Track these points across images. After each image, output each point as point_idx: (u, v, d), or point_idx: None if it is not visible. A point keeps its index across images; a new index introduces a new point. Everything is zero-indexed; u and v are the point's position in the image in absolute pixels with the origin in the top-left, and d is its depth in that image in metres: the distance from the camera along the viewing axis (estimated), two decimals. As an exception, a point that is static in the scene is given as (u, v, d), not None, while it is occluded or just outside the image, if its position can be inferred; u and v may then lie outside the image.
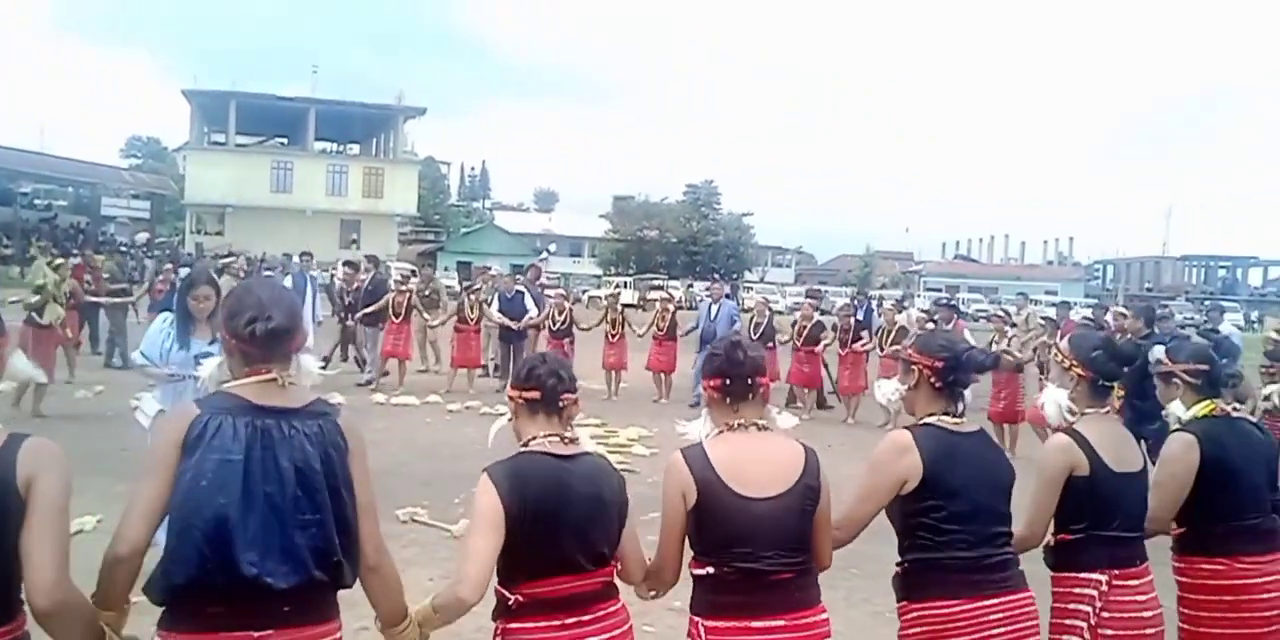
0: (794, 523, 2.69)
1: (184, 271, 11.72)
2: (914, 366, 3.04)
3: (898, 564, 2.96)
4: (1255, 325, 42.19)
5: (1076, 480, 3.13)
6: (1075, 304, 31.29)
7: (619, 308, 14.37)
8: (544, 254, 48.65)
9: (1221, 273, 70.34)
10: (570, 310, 14.06)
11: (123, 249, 39.62)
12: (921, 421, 2.98)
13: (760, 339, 12.96)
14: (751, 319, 13.89)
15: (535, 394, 2.64)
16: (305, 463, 2.29)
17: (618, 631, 2.61)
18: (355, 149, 64.07)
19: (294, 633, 2.26)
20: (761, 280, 60.03)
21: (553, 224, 72.79)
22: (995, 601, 2.83)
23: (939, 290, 55.96)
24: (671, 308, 14.39)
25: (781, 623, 2.63)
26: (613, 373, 13.87)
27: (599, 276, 56.09)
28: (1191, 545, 3.46)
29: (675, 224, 58.57)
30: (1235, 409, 3.64)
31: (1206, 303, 25.77)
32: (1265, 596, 3.37)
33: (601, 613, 2.59)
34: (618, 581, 2.72)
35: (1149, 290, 62.46)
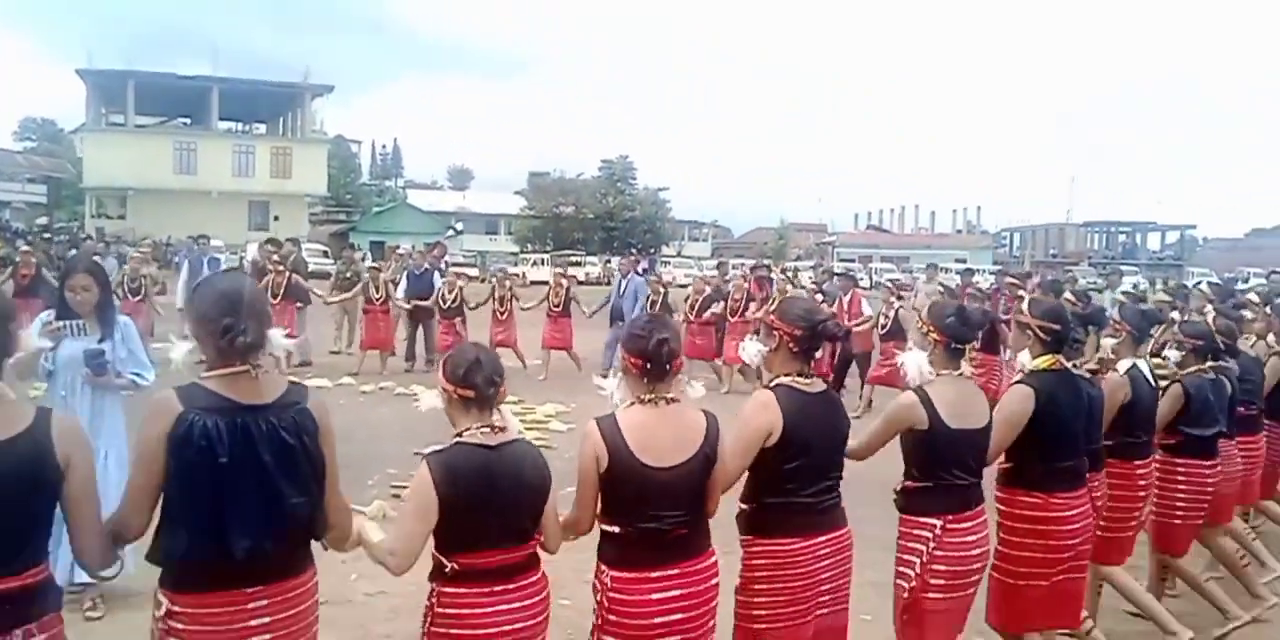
0: (693, 487, 3.05)
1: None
2: (775, 331, 3.37)
3: (744, 503, 3.34)
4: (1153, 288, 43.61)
5: (918, 434, 3.57)
6: (980, 270, 32.09)
7: (506, 285, 14.29)
8: (450, 231, 47.99)
9: (1122, 238, 72.47)
10: (460, 289, 13.96)
11: (20, 234, 38.35)
12: (777, 382, 3.33)
13: (698, 314, 13.42)
14: (649, 297, 14.02)
15: (470, 393, 2.86)
16: (286, 454, 2.57)
17: (538, 598, 2.91)
18: (262, 128, 62.54)
19: (279, 586, 2.61)
20: (679, 254, 60.32)
21: (467, 201, 72.11)
22: (824, 538, 3.31)
23: (852, 261, 56.78)
24: (565, 283, 14.37)
25: (676, 571, 3.01)
26: (551, 352, 13.94)
27: (516, 254, 55.77)
28: (1015, 480, 3.96)
29: (591, 200, 58.44)
30: (1074, 366, 4.12)
31: (1106, 267, 26.63)
32: (1071, 528, 3.90)
33: (525, 581, 2.88)
34: (540, 553, 2.99)
35: (1054, 256, 64.17)
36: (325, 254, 39.69)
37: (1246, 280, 31.80)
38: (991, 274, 23.96)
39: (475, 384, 2.84)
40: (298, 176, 56.01)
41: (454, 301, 13.77)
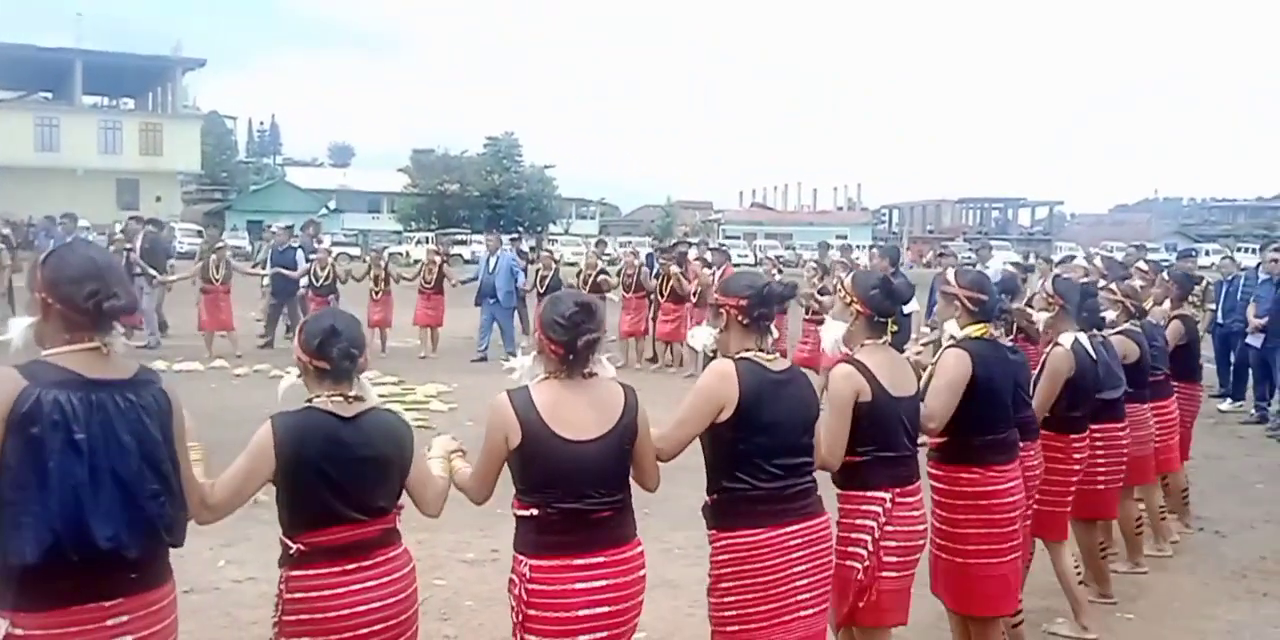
0: (614, 463, 2.86)
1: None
2: (722, 309, 3.22)
3: (708, 494, 3.14)
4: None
5: (860, 405, 3.39)
6: (859, 246, 32.80)
7: (382, 264, 14.22)
8: (323, 210, 46.71)
9: (995, 214, 74.95)
10: (333, 266, 13.90)
11: None
12: (740, 355, 3.14)
13: (546, 292, 13.20)
14: (538, 272, 14.09)
15: (324, 365, 2.73)
16: (146, 435, 2.34)
17: (399, 574, 2.75)
18: (130, 103, 60.03)
19: (141, 599, 2.34)
20: (566, 232, 60.07)
21: (348, 179, 70.49)
22: (797, 528, 3.07)
23: (738, 238, 57.38)
24: (438, 261, 14.40)
25: (602, 559, 2.80)
26: (427, 331, 13.95)
27: (399, 232, 54.85)
28: (951, 456, 3.87)
29: (477, 177, 57.62)
30: (1001, 337, 4.13)
31: (977, 242, 27.54)
32: (1009, 500, 3.85)
33: (382, 558, 2.72)
34: (400, 528, 2.84)
35: (930, 232, 66.01)
36: (200, 234, 38.48)
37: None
38: (870, 248, 24.54)
39: (330, 356, 2.71)
40: (169, 153, 53.97)
41: (326, 279, 13.69)
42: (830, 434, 3.38)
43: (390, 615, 2.71)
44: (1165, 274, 7.06)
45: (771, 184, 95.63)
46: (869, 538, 3.39)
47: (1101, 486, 5.02)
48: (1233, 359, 11.40)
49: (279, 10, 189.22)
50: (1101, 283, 6.70)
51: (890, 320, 3.67)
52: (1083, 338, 4.66)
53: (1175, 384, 6.19)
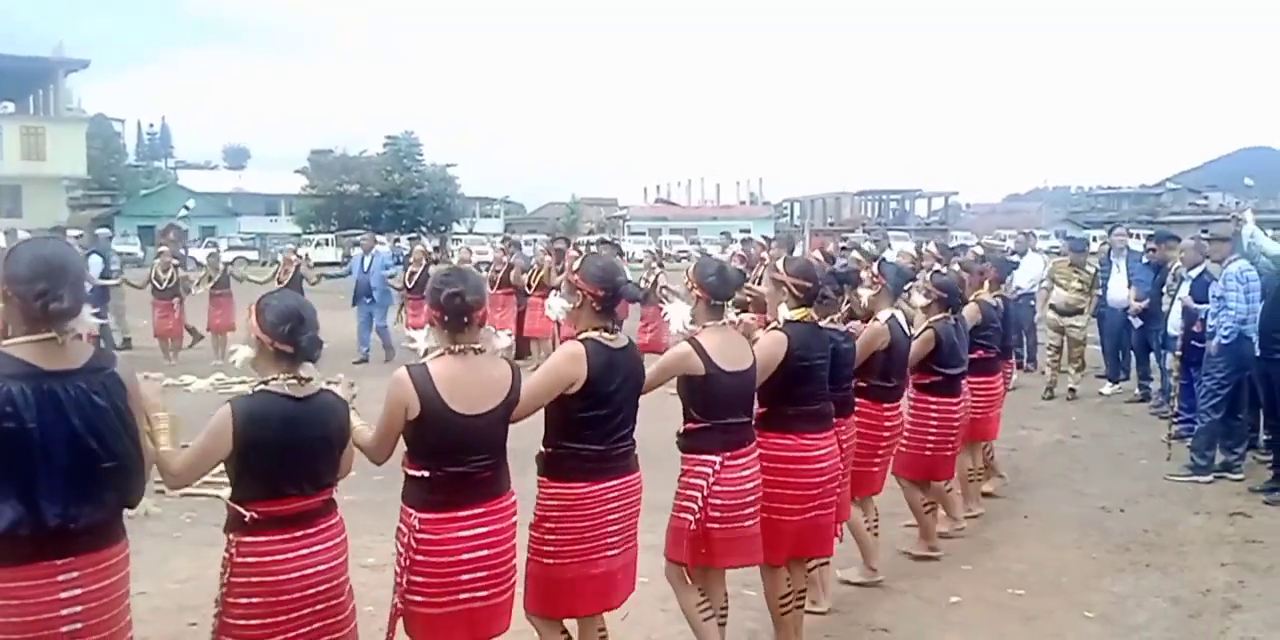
0: (498, 432, 3.27)
1: None
2: (578, 290, 3.59)
3: (545, 446, 3.55)
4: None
5: (697, 380, 3.85)
6: (766, 238, 33.18)
7: (219, 266, 14.21)
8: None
9: (893, 205, 76.42)
10: (176, 269, 13.90)
11: None
12: (586, 336, 3.55)
13: (415, 288, 13.50)
14: (408, 269, 14.15)
15: (289, 349, 2.93)
16: (98, 418, 2.55)
17: (337, 541, 3.05)
18: (10, 106, 57.72)
19: (89, 558, 2.57)
20: (470, 231, 59.55)
21: (244, 181, 68.94)
22: (615, 482, 3.57)
23: (643, 234, 57.57)
24: (295, 261, 14.41)
25: (482, 510, 3.19)
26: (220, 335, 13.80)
27: (299, 235, 53.76)
28: (768, 423, 4.27)
29: (377, 177, 56.67)
30: (827, 320, 4.51)
31: (875, 232, 28.15)
32: (819, 466, 4.26)
33: (324, 525, 3.00)
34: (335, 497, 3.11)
35: (831, 224, 66.89)
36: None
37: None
38: (770, 239, 25.04)
39: (299, 342, 2.92)
40: (52, 158, 51.99)
41: (169, 281, 13.68)
42: (648, 377, 3.80)
43: (328, 577, 2.97)
44: (988, 260, 7.58)
45: (675, 180, 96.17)
46: (699, 494, 3.85)
47: (929, 452, 5.66)
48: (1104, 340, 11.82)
49: (167, 9, 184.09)
50: (930, 269, 7.27)
51: (728, 303, 4.08)
52: (898, 315, 5.19)
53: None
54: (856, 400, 4.97)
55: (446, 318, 3.18)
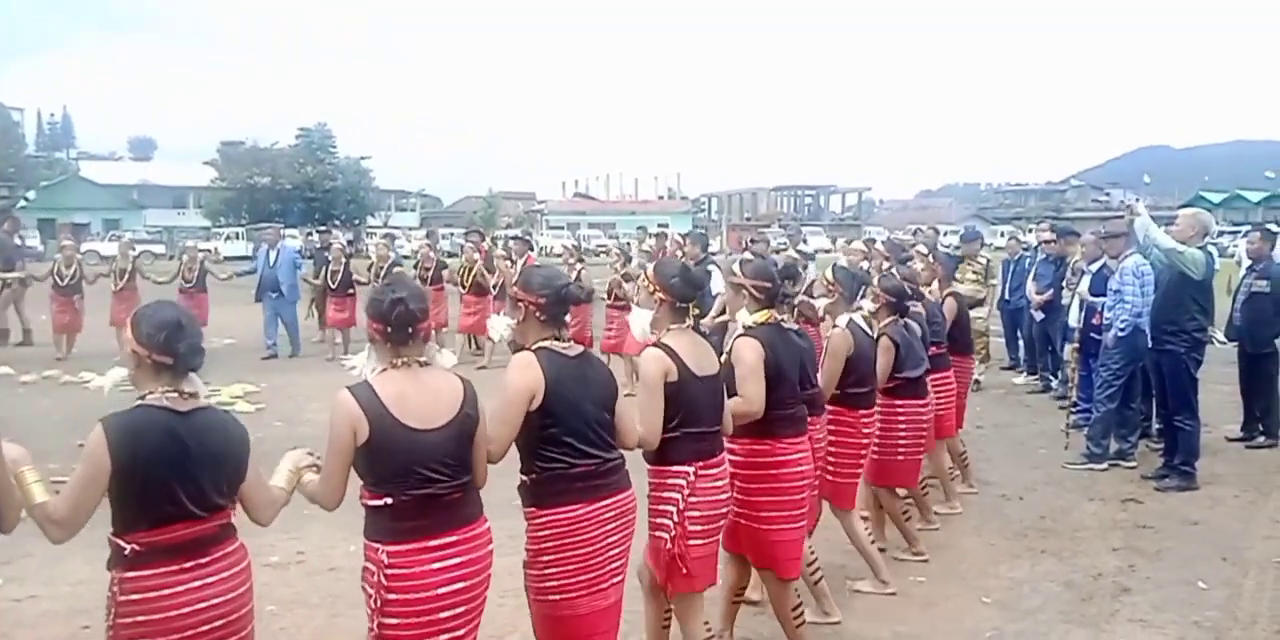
0: (460, 449, 2.98)
1: None
2: (520, 303, 3.36)
3: (524, 474, 3.30)
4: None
5: (669, 386, 3.60)
6: (683, 235, 33.32)
7: (129, 257, 13.96)
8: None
9: (808, 201, 77.32)
10: (80, 262, 13.72)
11: None
12: (537, 345, 3.31)
13: (338, 286, 13.65)
14: (329, 266, 14.01)
15: (168, 360, 2.71)
16: None
17: (235, 570, 2.77)
18: (-102, 94, 55.48)
19: None
20: (385, 225, 58.74)
21: (151, 173, 67.07)
22: (610, 501, 3.32)
23: (561, 228, 57.45)
24: (199, 257, 14.24)
25: (455, 538, 2.93)
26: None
27: (208, 228, 52.57)
28: (745, 430, 4.06)
29: (289, 170, 55.76)
30: (784, 320, 4.34)
31: (791, 227, 28.48)
32: (798, 470, 4.12)
33: (219, 553, 2.73)
34: (235, 522, 2.84)
35: (748, 219, 67.43)
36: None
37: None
38: (684, 235, 25.21)
39: (177, 351, 2.71)
40: (-53, 148, 50.14)
41: (72, 277, 13.53)
42: (646, 413, 3.57)
43: (227, 612, 2.73)
44: (931, 256, 7.56)
45: (593, 174, 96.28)
46: (674, 509, 3.61)
47: (902, 457, 5.55)
48: (1020, 334, 12.15)
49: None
50: (881, 269, 7.20)
51: (691, 304, 3.85)
52: (857, 318, 5.06)
53: (952, 357, 6.73)
54: (831, 408, 4.86)
55: (390, 329, 2.95)
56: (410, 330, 2.97)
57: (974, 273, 11.30)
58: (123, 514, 2.64)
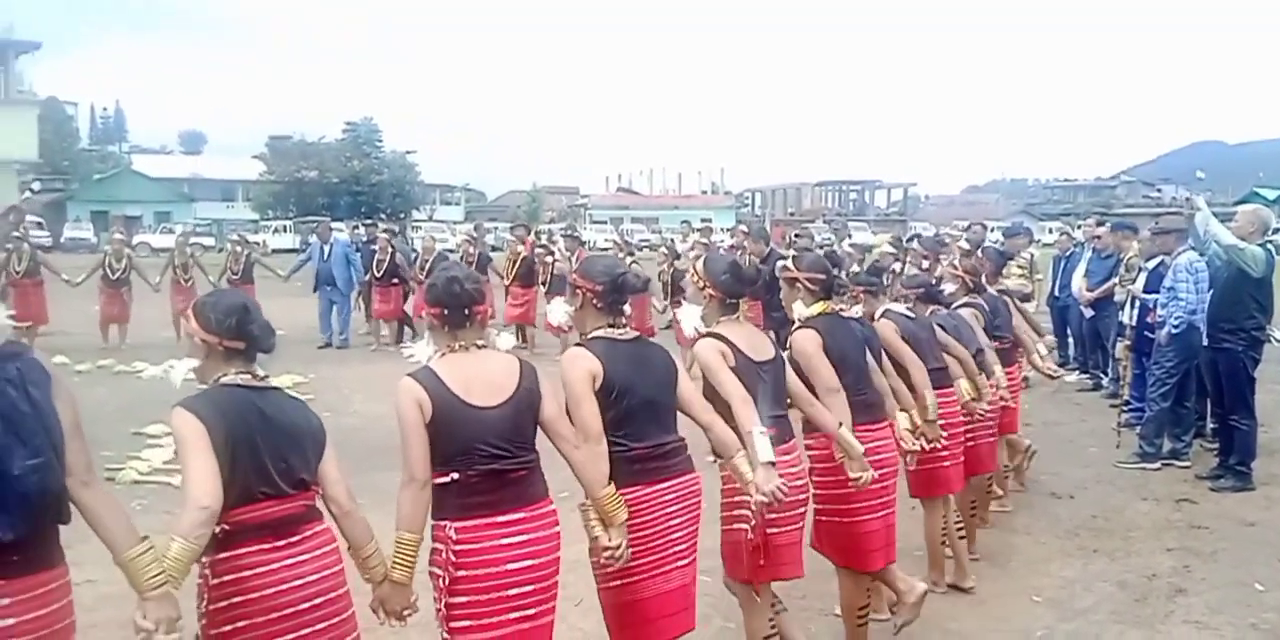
0: (522, 425, 3.03)
1: None
2: (578, 290, 3.40)
3: None
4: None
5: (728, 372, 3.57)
6: (725, 229, 33.25)
7: (187, 252, 14.17)
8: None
9: (853, 196, 76.77)
10: (129, 256, 13.94)
11: None
12: (590, 336, 3.35)
13: (384, 276, 13.75)
14: (375, 257, 14.11)
15: (239, 344, 2.75)
16: (13, 409, 2.24)
17: (326, 549, 2.77)
18: (-43, 88, 56.49)
19: (24, 582, 2.26)
20: (430, 219, 59.13)
21: (201, 167, 67.98)
22: (672, 483, 3.33)
23: (604, 222, 57.45)
24: (242, 250, 14.45)
25: (522, 515, 2.97)
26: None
27: (256, 221, 53.19)
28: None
29: (336, 163, 56.25)
30: (842, 309, 4.30)
31: (835, 222, 28.30)
32: (882, 457, 4.09)
33: (308, 532, 2.74)
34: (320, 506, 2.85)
35: (792, 214, 67.18)
36: (40, 226, 36.62)
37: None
38: (742, 229, 25.18)
39: (250, 334, 2.74)
40: (4, 141, 50.89)
41: (123, 270, 13.72)
42: (722, 387, 3.53)
43: (323, 590, 2.70)
44: (980, 251, 7.43)
45: (636, 169, 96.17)
46: (749, 499, 3.49)
47: (947, 464, 5.05)
48: (1069, 331, 11.99)
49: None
50: (945, 260, 7.04)
51: (740, 300, 3.85)
52: (892, 306, 4.97)
53: None
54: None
55: (447, 313, 3.02)
56: (467, 312, 3.03)
57: (1019, 267, 11.18)
58: None
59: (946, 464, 5.02)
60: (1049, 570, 5.51)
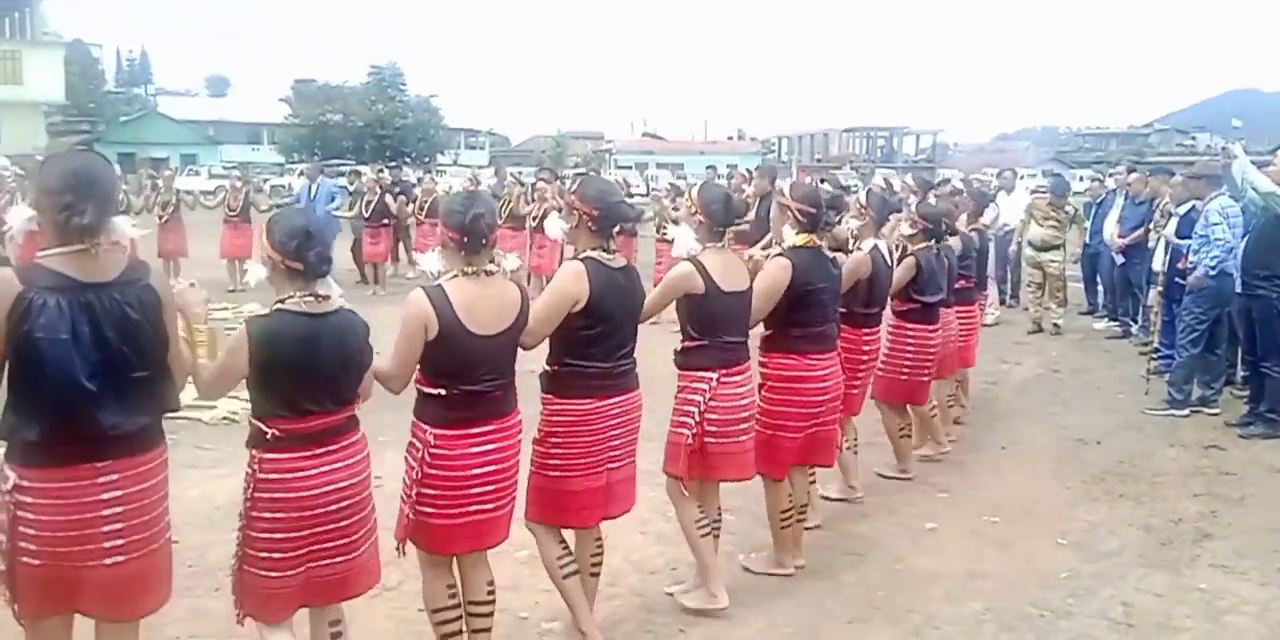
0: (509, 352, 3.36)
1: None
2: (575, 211, 3.65)
3: (549, 365, 3.63)
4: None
5: (696, 298, 3.93)
6: (742, 171, 32.97)
7: (173, 189, 13.96)
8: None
9: (881, 142, 75.83)
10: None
11: None
12: (585, 255, 3.59)
13: (373, 217, 13.73)
14: (363, 198, 14.06)
15: (299, 266, 2.92)
16: (130, 329, 2.60)
17: (358, 457, 3.07)
18: (-17, 29, 56.43)
19: (129, 461, 2.66)
20: (455, 163, 58.88)
21: (226, 110, 67.85)
22: (619, 399, 3.66)
23: (629, 167, 57.09)
24: (243, 187, 14.31)
25: (492, 427, 3.29)
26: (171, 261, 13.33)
27: (281, 164, 53.15)
28: (774, 345, 4.40)
29: (360, 107, 55.92)
30: (823, 246, 4.49)
31: (863, 169, 28.02)
32: (821, 385, 4.38)
33: (346, 442, 3.03)
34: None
35: (819, 160, 66.45)
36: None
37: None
38: (751, 169, 25.04)
39: (307, 259, 2.91)
40: (30, 83, 50.78)
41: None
42: (649, 300, 3.92)
43: (350, 494, 3.01)
44: (965, 193, 7.89)
45: (662, 114, 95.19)
46: (696, 409, 3.98)
47: (905, 377, 5.83)
48: (1099, 278, 11.87)
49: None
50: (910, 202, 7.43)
51: (727, 229, 4.13)
52: (881, 245, 5.27)
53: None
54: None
55: (466, 239, 3.21)
56: (484, 241, 3.24)
57: (1056, 219, 11.07)
58: (264, 403, 2.92)
59: (903, 377, 5.83)
60: (1074, 514, 5.50)
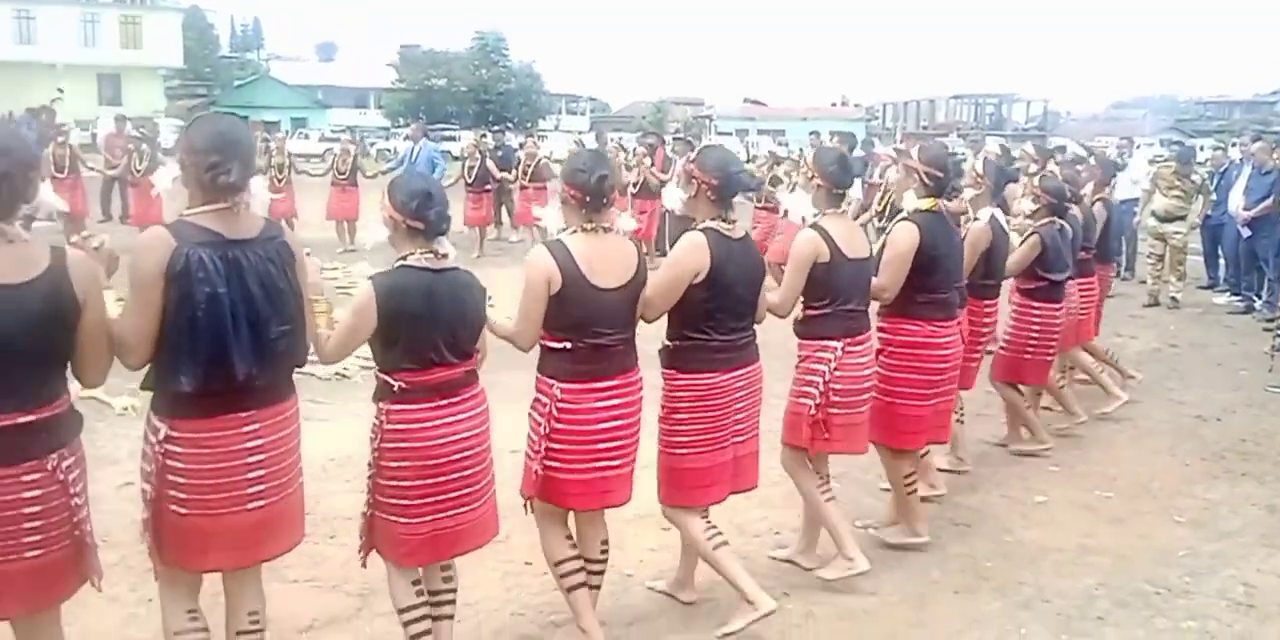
0: (630, 307, 3.40)
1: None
2: (693, 181, 3.58)
3: (669, 340, 3.59)
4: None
5: (820, 266, 3.87)
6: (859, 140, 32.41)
7: (285, 151, 14.21)
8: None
9: (989, 110, 73.80)
10: (355, 157, 14.17)
11: None
12: (705, 225, 3.53)
13: (475, 182, 13.80)
14: (465, 163, 14.19)
15: (419, 225, 3.03)
16: (273, 285, 2.73)
17: (479, 410, 3.16)
18: (107, -6, 58.24)
19: (270, 411, 2.79)
20: (556, 128, 59.14)
21: (334, 75, 69.07)
22: (741, 372, 3.61)
23: (730, 134, 56.58)
24: (351, 150, 14.46)
25: (616, 382, 3.36)
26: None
27: (387, 129, 54.01)
28: (898, 311, 4.30)
29: (464, 72, 56.60)
30: (948, 210, 4.42)
31: (971, 136, 27.35)
32: (944, 352, 4.28)
33: (467, 395, 3.13)
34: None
35: (924, 128, 65.03)
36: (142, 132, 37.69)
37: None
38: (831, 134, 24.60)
39: (427, 218, 3.01)
40: (150, 47, 52.65)
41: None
42: (786, 285, 3.90)
43: (473, 444, 3.11)
44: (1094, 159, 7.29)
45: (764, 80, 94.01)
46: (820, 380, 3.91)
47: (1029, 356, 5.66)
48: (1221, 251, 11.43)
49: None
50: (1032, 172, 7.21)
51: (846, 192, 4.06)
52: (999, 214, 5.14)
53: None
54: None
55: (588, 198, 3.28)
56: (605, 200, 3.31)
57: (1181, 190, 10.67)
58: (390, 356, 3.03)
59: (1027, 356, 5.64)
60: (1192, 492, 5.34)
